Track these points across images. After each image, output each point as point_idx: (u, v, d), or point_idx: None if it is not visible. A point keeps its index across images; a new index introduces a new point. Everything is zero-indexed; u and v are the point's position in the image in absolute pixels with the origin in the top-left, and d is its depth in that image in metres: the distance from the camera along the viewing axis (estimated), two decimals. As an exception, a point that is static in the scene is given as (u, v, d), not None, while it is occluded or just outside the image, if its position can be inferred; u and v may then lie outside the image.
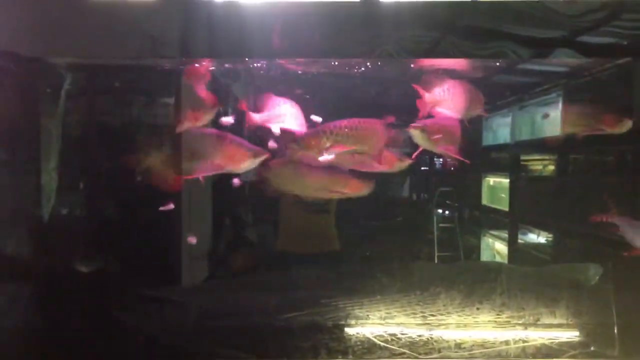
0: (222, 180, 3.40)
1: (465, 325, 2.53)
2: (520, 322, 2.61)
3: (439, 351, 2.26)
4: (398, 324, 2.53)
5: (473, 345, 2.32)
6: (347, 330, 2.50)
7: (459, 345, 2.31)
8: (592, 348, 2.35)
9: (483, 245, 5.53)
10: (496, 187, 5.43)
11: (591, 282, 3.11)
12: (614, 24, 2.73)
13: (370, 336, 2.42)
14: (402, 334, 2.44)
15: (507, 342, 2.37)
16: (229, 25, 2.56)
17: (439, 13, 2.73)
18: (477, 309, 2.69)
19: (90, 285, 2.85)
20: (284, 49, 2.65)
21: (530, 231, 4.85)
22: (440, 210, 5.73)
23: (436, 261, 5.05)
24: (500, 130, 5.33)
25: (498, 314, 2.70)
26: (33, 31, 2.44)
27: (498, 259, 5.14)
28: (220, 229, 3.54)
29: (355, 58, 3.04)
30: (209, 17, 2.59)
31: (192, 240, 2.94)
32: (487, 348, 2.31)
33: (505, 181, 5.05)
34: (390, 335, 2.43)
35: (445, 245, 5.32)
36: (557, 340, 2.43)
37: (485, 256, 5.44)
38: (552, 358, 2.26)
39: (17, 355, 2.25)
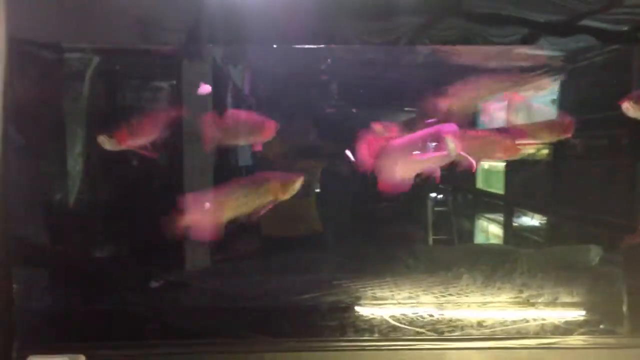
0: (220, 165, 3.41)
1: (485, 305, 2.62)
2: (530, 301, 2.71)
3: (462, 329, 2.35)
4: (421, 304, 2.62)
5: (494, 323, 2.41)
6: (371, 310, 2.57)
7: (480, 324, 2.40)
8: (601, 326, 2.44)
9: (478, 229, 5.62)
10: (491, 170, 5.51)
11: (592, 264, 3.21)
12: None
13: (394, 316, 2.49)
14: (426, 314, 2.52)
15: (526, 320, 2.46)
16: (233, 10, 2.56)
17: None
18: (498, 288, 2.80)
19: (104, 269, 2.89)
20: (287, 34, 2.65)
21: (525, 214, 4.94)
22: (434, 194, 5.80)
23: (431, 244, 5.12)
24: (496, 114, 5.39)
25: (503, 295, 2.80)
26: (51, 17, 2.43)
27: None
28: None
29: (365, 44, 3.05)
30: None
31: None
32: (507, 326, 2.40)
33: (501, 165, 5.13)
34: (414, 314, 2.51)
35: (440, 228, 5.39)
36: (565, 319, 2.52)
37: (479, 239, 5.53)
38: (564, 336, 2.34)
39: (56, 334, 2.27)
